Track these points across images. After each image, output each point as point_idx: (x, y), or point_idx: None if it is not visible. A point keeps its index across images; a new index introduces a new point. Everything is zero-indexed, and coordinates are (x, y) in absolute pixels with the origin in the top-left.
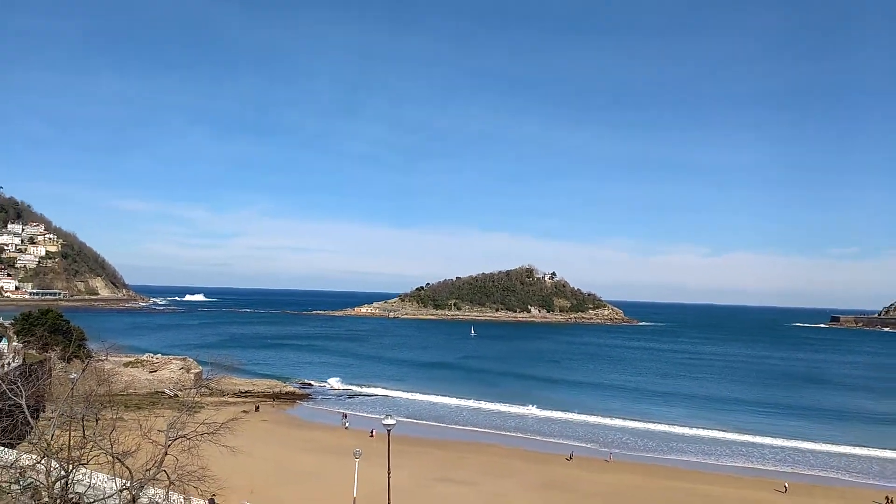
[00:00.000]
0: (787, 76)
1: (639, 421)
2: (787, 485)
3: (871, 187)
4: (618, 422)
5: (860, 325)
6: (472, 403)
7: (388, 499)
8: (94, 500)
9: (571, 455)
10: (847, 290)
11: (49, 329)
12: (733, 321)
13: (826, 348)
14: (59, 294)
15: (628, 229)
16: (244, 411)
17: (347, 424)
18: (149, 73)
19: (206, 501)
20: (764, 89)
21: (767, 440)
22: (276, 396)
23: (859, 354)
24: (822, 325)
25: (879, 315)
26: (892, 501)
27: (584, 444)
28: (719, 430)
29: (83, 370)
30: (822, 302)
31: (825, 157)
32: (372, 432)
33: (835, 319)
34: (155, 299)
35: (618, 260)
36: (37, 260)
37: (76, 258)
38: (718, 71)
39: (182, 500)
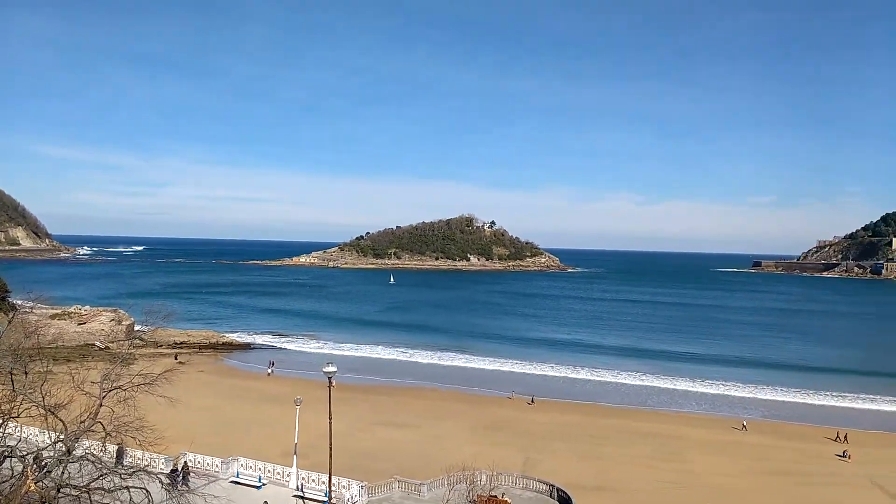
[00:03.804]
0: (721, 26)
1: (569, 367)
2: (745, 423)
3: (789, 138)
4: (548, 369)
5: (780, 269)
6: (408, 354)
7: (330, 442)
8: (28, 453)
9: (512, 393)
10: (769, 236)
11: None
12: (663, 267)
13: (745, 292)
14: None
15: (568, 177)
16: (180, 362)
17: (270, 371)
18: (70, 12)
19: (181, 465)
20: (699, 41)
21: (688, 385)
22: (212, 347)
23: (774, 298)
24: (745, 270)
25: (798, 260)
26: (843, 438)
27: (517, 389)
28: (644, 374)
29: (8, 322)
30: (747, 248)
31: (752, 108)
32: (330, 381)
33: (757, 264)
34: (79, 249)
35: (557, 207)
36: None
37: None
38: (656, 21)
39: (154, 456)
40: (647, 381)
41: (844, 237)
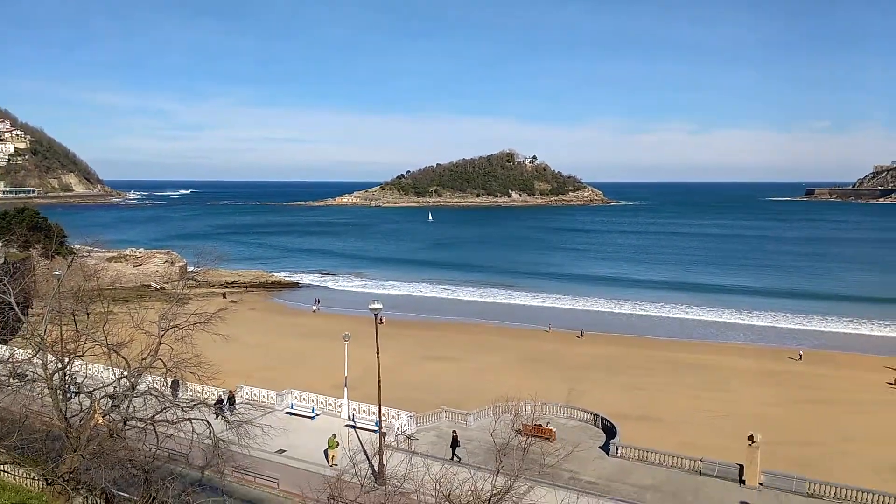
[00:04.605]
0: None
1: (612, 301)
2: (801, 353)
3: (844, 62)
4: (591, 303)
5: (835, 196)
6: (450, 291)
7: (378, 374)
8: (94, 389)
9: (550, 326)
10: (824, 163)
11: (28, 227)
12: (712, 197)
13: (795, 221)
14: (33, 192)
15: (613, 108)
16: (232, 301)
17: (316, 308)
18: None
19: (227, 393)
20: None
21: (735, 317)
22: (261, 286)
23: (825, 226)
24: (797, 199)
25: (853, 186)
26: None
27: (558, 324)
28: (689, 307)
29: (68, 266)
30: (801, 176)
31: (804, 33)
32: (381, 319)
33: (810, 192)
34: (130, 194)
35: (601, 140)
36: (6, 157)
37: (46, 154)
38: None
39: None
40: (692, 314)
41: None
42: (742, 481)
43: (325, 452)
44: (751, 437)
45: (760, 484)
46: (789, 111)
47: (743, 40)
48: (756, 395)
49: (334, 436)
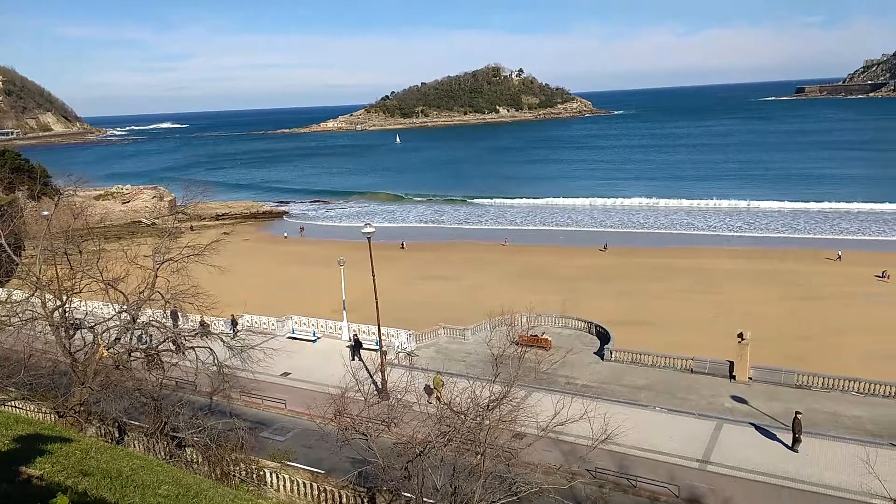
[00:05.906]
0: None
1: (602, 214)
2: (840, 253)
3: None
4: (579, 216)
5: (824, 93)
6: (441, 212)
7: (375, 295)
8: (95, 324)
9: (505, 241)
10: (815, 60)
11: (10, 169)
12: (700, 101)
13: (784, 119)
14: (12, 133)
15: (600, 14)
16: (224, 233)
17: (286, 235)
18: None
19: (230, 318)
20: None
21: (723, 222)
22: (252, 216)
23: (810, 126)
24: (786, 98)
25: (844, 82)
26: None
27: (546, 239)
28: (676, 215)
29: (55, 206)
30: (795, 74)
31: None
32: (402, 244)
33: (800, 91)
34: (111, 130)
35: (589, 48)
36: None
37: (21, 94)
38: None
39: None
40: (681, 223)
41: (894, 54)
42: (732, 377)
43: (427, 389)
44: (740, 335)
45: (750, 378)
46: (783, 6)
47: None
48: (748, 295)
49: (440, 374)
